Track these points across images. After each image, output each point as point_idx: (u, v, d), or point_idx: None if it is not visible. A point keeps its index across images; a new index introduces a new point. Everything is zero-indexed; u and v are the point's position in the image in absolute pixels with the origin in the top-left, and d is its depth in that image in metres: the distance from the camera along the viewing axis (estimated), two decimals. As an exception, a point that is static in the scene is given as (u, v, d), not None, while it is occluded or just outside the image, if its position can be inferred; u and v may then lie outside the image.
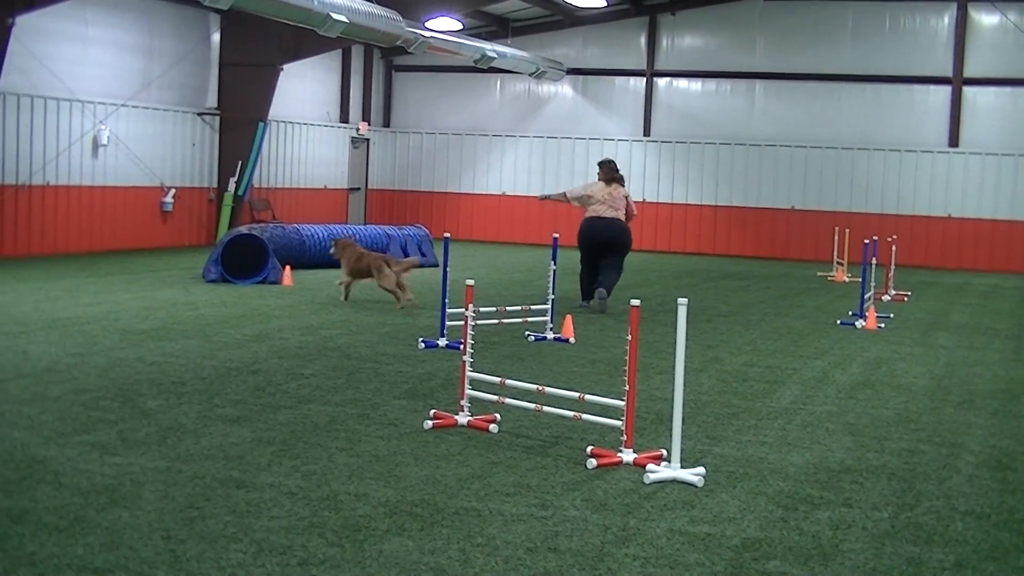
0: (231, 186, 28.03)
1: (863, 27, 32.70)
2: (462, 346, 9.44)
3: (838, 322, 17.48)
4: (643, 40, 34.46)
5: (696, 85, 34.36)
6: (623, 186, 18.20)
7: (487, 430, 8.99)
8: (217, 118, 28.30)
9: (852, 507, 7.31)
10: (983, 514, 7.26)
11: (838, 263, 26.57)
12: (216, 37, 28.18)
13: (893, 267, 23.08)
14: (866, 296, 18.04)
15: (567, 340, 14.21)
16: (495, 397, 9.20)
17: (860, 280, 18.23)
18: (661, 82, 34.54)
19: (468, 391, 9.25)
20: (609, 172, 18.10)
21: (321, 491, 7.14)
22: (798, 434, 9.42)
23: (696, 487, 7.62)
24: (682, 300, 7.97)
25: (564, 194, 18.66)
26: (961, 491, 7.80)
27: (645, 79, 34.52)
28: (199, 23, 27.77)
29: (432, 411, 9.42)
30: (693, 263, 29.69)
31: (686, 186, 34.12)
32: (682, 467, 7.86)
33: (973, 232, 31.72)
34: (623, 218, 17.94)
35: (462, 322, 9.52)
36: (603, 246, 17.85)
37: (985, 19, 31.94)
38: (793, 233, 32.89)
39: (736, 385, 11.65)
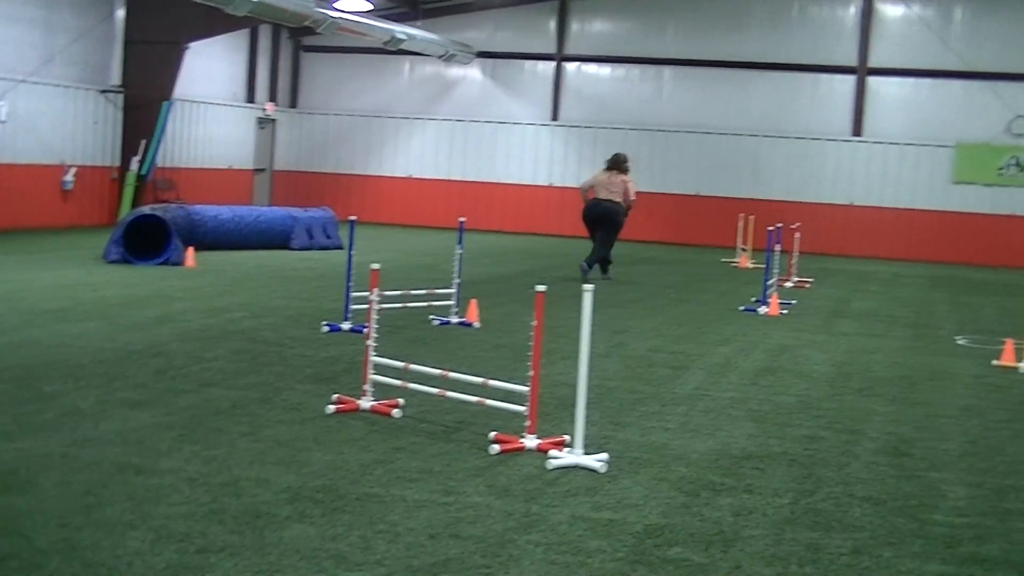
0: (134, 165, 27.63)
1: (772, 15, 33.01)
2: (366, 330, 9.39)
3: (741, 308, 17.64)
4: (553, 24, 34.49)
5: (605, 70, 34.47)
6: (626, 175, 21.22)
7: (390, 415, 8.95)
8: (121, 96, 27.86)
9: (753, 493, 7.38)
10: (880, 500, 7.36)
11: (742, 249, 26.83)
12: (121, 13, 27.72)
13: (797, 254, 23.34)
14: (769, 283, 18.24)
15: (471, 324, 14.20)
16: (399, 382, 9.16)
17: (764, 267, 18.41)
18: (570, 67, 34.61)
19: (372, 376, 9.20)
20: (612, 162, 21.49)
21: (222, 477, 7.07)
22: (701, 420, 9.49)
23: (599, 473, 7.64)
24: (587, 286, 7.99)
25: (581, 187, 21.91)
26: (859, 477, 7.90)
27: (554, 63, 34.57)
28: (103, -1, 27.35)
29: (335, 396, 9.36)
30: (600, 248, 29.76)
31: (593, 171, 34.21)
32: (585, 453, 7.88)
33: (875, 220, 32.19)
34: (619, 200, 20.98)
35: (367, 306, 9.46)
36: (596, 222, 21.09)
37: (890, 10, 32.39)
38: (698, 219, 33.13)
39: (641, 371, 11.72)
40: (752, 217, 27.60)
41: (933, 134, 31.95)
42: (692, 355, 12.94)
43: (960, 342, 15.28)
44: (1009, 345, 13.58)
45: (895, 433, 9.37)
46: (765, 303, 17.50)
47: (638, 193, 22.36)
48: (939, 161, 31.94)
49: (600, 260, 21.05)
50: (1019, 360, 13.20)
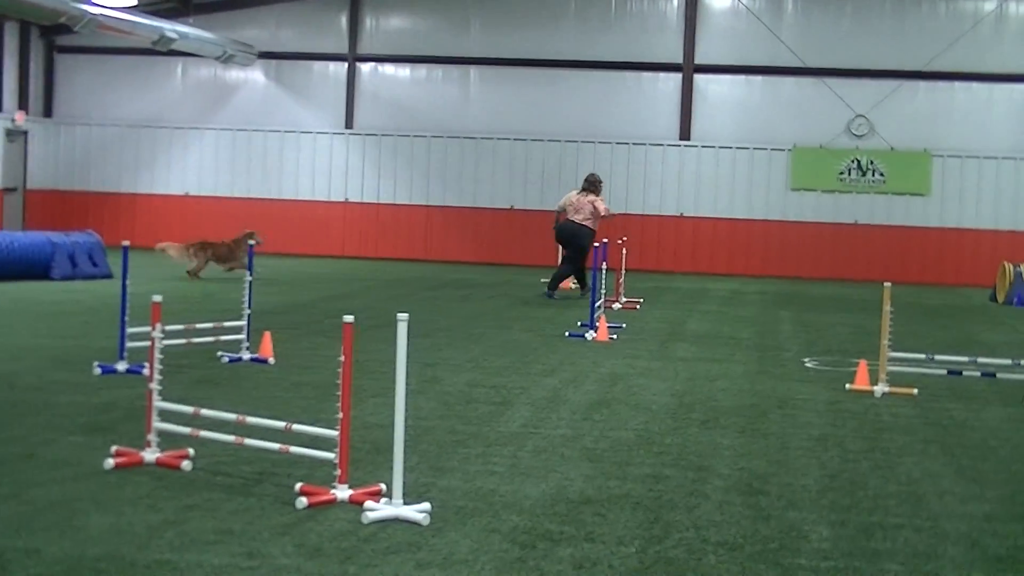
0: None
1: (587, 9, 33.47)
2: (148, 371, 9.16)
3: (567, 334, 17.75)
4: (344, 20, 34.45)
5: (404, 71, 34.54)
6: (597, 195, 23.49)
7: (180, 468, 8.74)
8: None
9: (596, 542, 7.37)
10: (736, 545, 7.43)
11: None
12: None
13: (624, 271, 23.62)
14: (596, 304, 18.39)
15: (266, 361, 14.00)
16: (188, 430, 8.95)
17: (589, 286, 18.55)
18: (365, 68, 34.59)
19: (156, 423, 8.97)
20: (585, 184, 23.84)
21: (-17, 548, 6.80)
22: (532, 462, 9.47)
23: (421, 526, 7.56)
24: (402, 315, 7.91)
25: (556, 208, 24.29)
26: (712, 520, 7.97)
27: (347, 64, 34.50)
28: None
29: (114, 448, 9.10)
30: (406, 271, 29.77)
31: (394, 184, 34.24)
32: (405, 503, 7.80)
33: (709, 232, 32.86)
34: (587, 222, 23.28)
35: (147, 343, 9.24)
36: (563, 243, 24.01)
37: (716, 2, 33.08)
38: (515, 236, 33.34)
39: (460, 408, 11.67)
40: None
41: (767, 137, 32.76)
42: (516, 388, 12.94)
43: (809, 365, 15.60)
44: (862, 367, 13.90)
45: (747, 468, 9.49)
46: (593, 327, 17.64)
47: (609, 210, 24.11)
48: (775, 166, 32.76)
49: (559, 279, 23.80)
50: (874, 383, 13.52)
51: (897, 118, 32.76)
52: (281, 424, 8.72)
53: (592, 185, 23.67)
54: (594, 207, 23.24)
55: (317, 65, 34.78)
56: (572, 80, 33.56)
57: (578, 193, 23.67)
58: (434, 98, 34.25)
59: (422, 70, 34.40)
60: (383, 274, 28.51)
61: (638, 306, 22.35)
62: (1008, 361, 14.30)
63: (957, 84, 32.95)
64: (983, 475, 9.50)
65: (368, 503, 7.84)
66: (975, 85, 32.99)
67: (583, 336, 17.51)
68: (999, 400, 13.25)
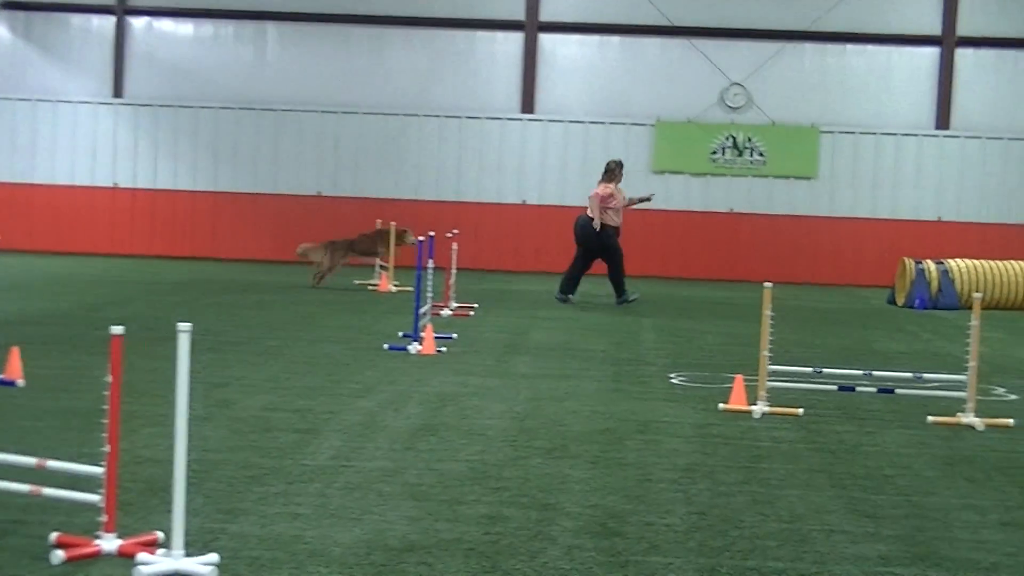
0: None
1: (409, -47, 33.45)
2: None
3: (387, 347, 17.73)
4: (112, -37, 34.06)
5: (187, 27, 34.29)
6: (609, 183, 24.78)
7: (-95, 516, 8.60)
8: None
9: (420, 597, 7.39)
10: (588, 597, 7.49)
11: (382, 268, 27.01)
12: None
13: (455, 271, 23.65)
14: (422, 311, 18.39)
15: (13, 383, 13.80)
16: (-87, 469, 8.80)
17: (413, 290, 18.56)
18: (137, 23, 34.26)
19: None
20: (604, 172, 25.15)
21: None
22: (343, 501, 9.45)
23: (208, 582, 7.52)
24: (184, 325, 7.85)
25: None
26: (558, 568, 8.01)
27: (115, 18, 34.10)
28: None
29: None
30: (189, 271, 29.53)
31: (174, 166, 33.98)
32: (187, 555, 7.74)
33: (556, 224, 32.93)
34: (595, 216, 24.58)
35: None
36: (577, 243, 25.33)
37: (564, -54, 33.30)
38: (323, 228, 33.17)
39: (256, 437, 11.60)
40: (394, 224, 27.81)
41: (626, 109, 33.09)
42: (324, 413, 12.90)
43: (676, 381, 15.76)
44: (739, 383, 14.06)
45: (600, 506, 9.55)
46: (417, 338, 17.64)
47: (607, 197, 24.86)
48: (635, 144, 33.08)
49: (567, 281, 25.45)
50: (752, 402, 13.70)
51: (779, 87, 33.29)
52: (32, 461, 8.60)
53: (608, 171, 25.11)
54: (593, 196, 24.95)
55: (77, 18, 34.33)
56: (392, 40, 33.53)
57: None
58: (224, 61, 34.01)
59: (208, 26, 34.14)
60: (161, 275, 28.24)
61: (472, 312, 22.40)
62: (908, 374, 14.60)
63: (850, 47, 33.58)
64: (878, 509, 9.67)
65: (141, 555, 7.76)
66: (871, 48, 33.65)
67: (405, 349, 17.50)
68: (898, 421, 13.51)
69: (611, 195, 24.64)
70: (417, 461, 10.89)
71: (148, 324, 19.20)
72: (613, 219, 24.67)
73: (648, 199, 26.03)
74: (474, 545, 8.45)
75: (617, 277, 25.07)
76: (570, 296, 25.35)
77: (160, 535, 8.11)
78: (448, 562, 8.07)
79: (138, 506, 8.99)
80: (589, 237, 24.85)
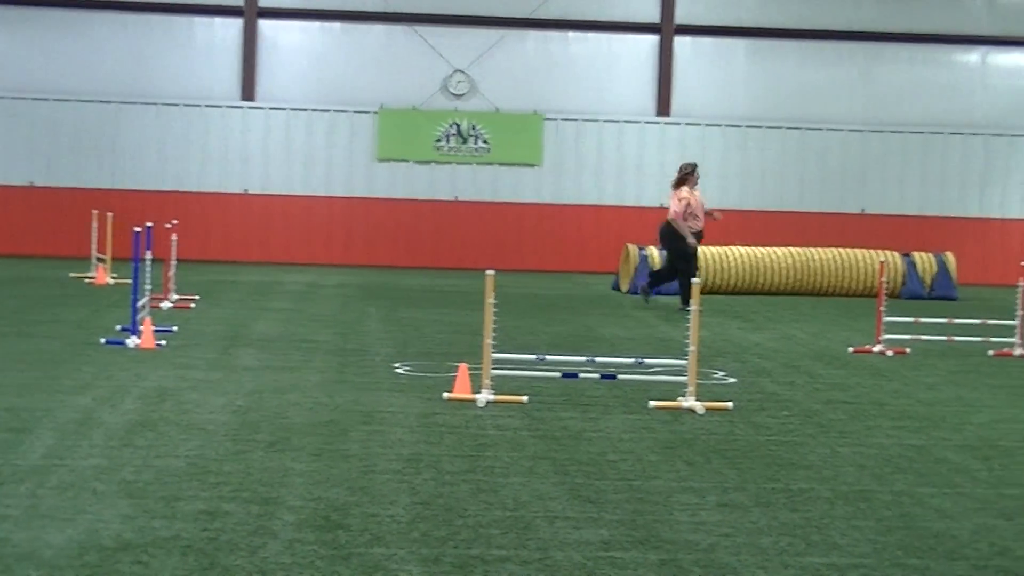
0: None
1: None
2: None
3: (104, 341, 17.47)
4: None
5: None
6: (678, 188, 24.90)
7: None
8: None
9: (134, 598, 7.26)
10: (310, 592, 7.43)
11: (99, 260, 26.59)
12: None
13: (175, 262, 23.35)
14: (140, 304, 18.14)
15: None
16: None
17: (131, 282, 18.30)
18: None
19: None
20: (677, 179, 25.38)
21: None
22: (55, 501, 9.25)
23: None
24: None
25: None
26: (280, 563, 7.93)
27: None
28: None
29: None
30: None
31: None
32: None
33: (280, 213, 32.87)
34: (673, 218, 24.75)
35: None
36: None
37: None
38: (37, 220, 32.62)
39: (-37, 437, 11.33)
40: (111, 215, 27.36)
41: (349, 96, 33.07)
42: (37, 411, 12.64)
43: (401, 371, 15.79)
44: (463, 372, 14.12)
45: (323, 499, 9.50)
46: (136, 332, 17.40)
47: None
48: (358, 132, 33.09)
49: (656, 278, 25.74)
50: (476, 390, 13.76)
51: (503, 74, 33.53)
52: None
53: (678, 178, 25.15)
54: (675, 218, 24.84)
55: None
56: (107, 25, 33.02)
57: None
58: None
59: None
60: None
61: (193, 305, 22.18)
62: (630, 360, 14.80)
63: (571, 34, 33.95)
64: (600, 495, 9.78)
65: None
66: (592, 36, 34.07)
67: (123, 343, 17.25)
68: (620, 406, 13.70)
69: (688, 205, 24.73)
70: (134, 458, 10.72)
71: None
72: (693, 225, 24.68)
73: (717, 218, 26.20)
74: (192, 542, 8.34)
75: (683, 284, 23.75)
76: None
77: None
78: (165, 560, 7.95)
79: None
80: (662, 233, 25.06)
